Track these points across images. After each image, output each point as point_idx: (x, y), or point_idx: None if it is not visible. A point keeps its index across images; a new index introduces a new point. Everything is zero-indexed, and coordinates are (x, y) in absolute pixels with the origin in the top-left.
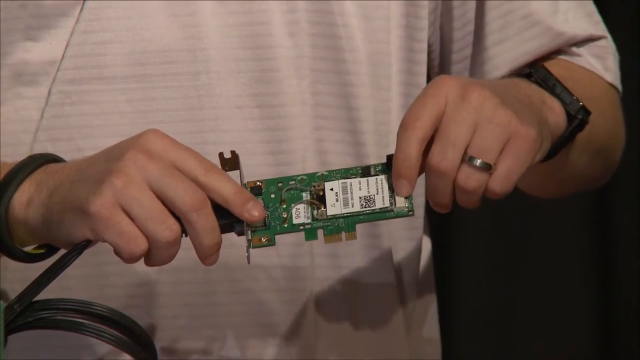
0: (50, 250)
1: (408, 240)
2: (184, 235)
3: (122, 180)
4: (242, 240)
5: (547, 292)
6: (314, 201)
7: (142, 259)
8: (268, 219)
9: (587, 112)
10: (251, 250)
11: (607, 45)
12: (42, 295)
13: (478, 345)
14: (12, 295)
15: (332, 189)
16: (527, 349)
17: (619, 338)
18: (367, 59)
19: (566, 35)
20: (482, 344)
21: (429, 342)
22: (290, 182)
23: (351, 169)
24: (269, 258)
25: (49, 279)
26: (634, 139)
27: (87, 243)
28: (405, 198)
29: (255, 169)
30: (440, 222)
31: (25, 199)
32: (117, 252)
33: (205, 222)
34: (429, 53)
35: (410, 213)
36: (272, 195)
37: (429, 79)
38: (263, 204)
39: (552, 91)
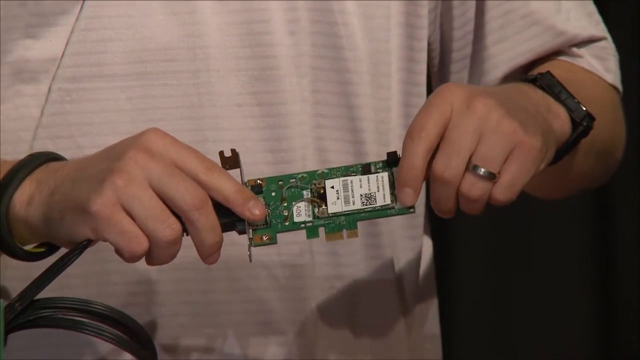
0: (51, 248)
1: (408, 239)
2: (184, 234)
3: (123, 179)
4: (242, 239)
5: (547, 290)
6: (315, 199)
7: (144, 258)
8: (269, 217)
9: (592, 119)
10: (253, 248)
11: (608, 46)
12: (42, 293)
13: (479, 344)
14: (12, 293)
15: (332, 187)
16: (528, 347)
17: (619, 337)
18: (367, 57)
19: (567, 34)
20: (482, 342)
21: (430, 340)
22: (291, 180)
23: (351, 166)
24: (269, 256)
25: (50, 278)
26: (634, 139)
27: (88, 242)
28: None
29: (255, 166)
30: (440, 221)
31: (26, 198)
32: (118, 252)
33: (207, 220)
34: (429, 52)
35: (412, 210)
36: (273, 194)
37: (428, 77)
38: (264, 203)
39: (557, 98)
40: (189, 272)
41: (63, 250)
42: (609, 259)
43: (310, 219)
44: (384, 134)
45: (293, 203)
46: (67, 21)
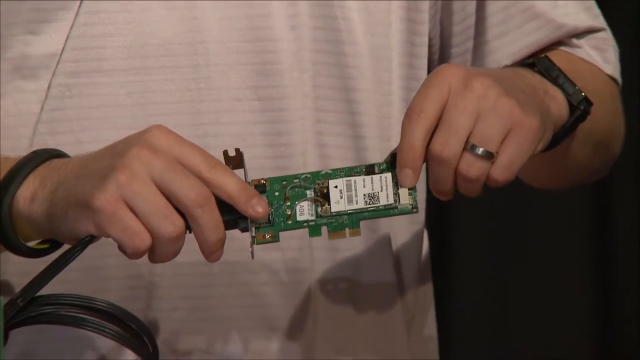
0: (54, 245)
1: (409, 234)
2: (187, 231)
3: (127, 176)
4: (242, 234)
5: (546, 287)
6: (318, 198)
7: (147, 254)
8: (272, 216)
9: (589, 103)
10: (255, 246)
11: (607, 37)
12: (43, 289)
13: (477, 340)
14: (14, 288)
15: (336, 187)
16: (526, 343)
17: (618, 332)
18: (368, 52)
19: (567, 27)
20: (481, 338)
21: (428, 336)
22: (295, 181)
23: (355, 167)
24: (269, 252)
25: (53, 274)
26: (634, 136)
27: (91, 238)
28: (409, 195)
29: (255, 161)
30: (439, 219)
31: (29, 194)
32: (121, 248)
33: (210, 218)
34: (429, 47)
35: (415, 210)
36: (277, 193)
37: (429, 72)
38: (267, 201)
39: (555, 81)
40: (189, 266)
41: (66, 247)
42: (607, 255)
43: (313, 217)
44: (385, 129)
45: (296, 202)
46: (67, 16)
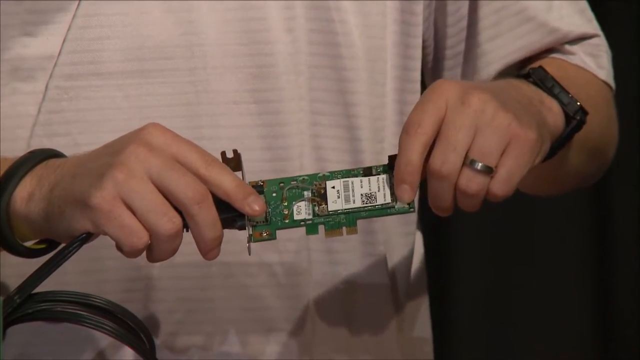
0: (52, 245)
1: (403, 235)
2: (185, 230)
3: (124, 174)
4: (238, 235)
5: (545, 289)
6: (315, 198)
7: (145, 253)
8: (269, 215)
9: (585, 113)
10: (252, 244)
11: (600, 43)
12: (39, 289)
13: (476, 342)
14: (10, 290)
15: (333, 187)
16: (526, 345)
17: (618, 333)
18: (364, 54)
19: (560, 31)
20: (480, 340)
21: (421, 340)
22: (292, 182)
23: (353, 170)
24: (266, 254)
25: (49, 271)
26: (634, 139)
27: (88, 236)
28: None
29: (252, 164)
30: (437, 221)
31: (26, 194)
32: (118, 246)
33: (207, 215)
34: (423, 48)
35: (412, 210)
36: (274, 194)
37: (422, 74)
38: (265, 200)
39: (550, 92)
40: (186, 268)
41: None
42: (607, 255)
43: (310, 216)
44: (380, 131)
45: (293, 202)
46: (64, 19)
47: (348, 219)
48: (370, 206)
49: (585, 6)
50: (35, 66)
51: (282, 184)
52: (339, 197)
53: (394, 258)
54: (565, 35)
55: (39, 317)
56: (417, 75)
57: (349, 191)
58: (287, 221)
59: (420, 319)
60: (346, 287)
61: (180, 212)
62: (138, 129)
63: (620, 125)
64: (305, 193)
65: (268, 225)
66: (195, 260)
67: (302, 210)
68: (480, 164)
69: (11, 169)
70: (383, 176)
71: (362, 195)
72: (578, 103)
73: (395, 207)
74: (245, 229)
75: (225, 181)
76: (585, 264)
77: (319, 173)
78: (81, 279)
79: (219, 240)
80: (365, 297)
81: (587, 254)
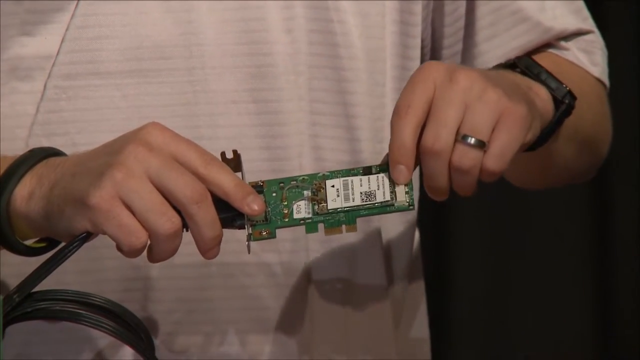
0: (52, 244)
1: (401, 236)
2: (184, 229)
3: (123, 173)
4: (237, 235)
5: (545, 288)
6: (315, 197)
7: (145, 253)
8: (269, 214)
9: (574, 97)
10: (251, 242)
11: (595, 40)
12: (38, 289)
13: (475, 342)
14: (9, 289)
15: (333, 186)
16: (525, 344)
17: (618, 333)
18: (364, 55)
19: (554, 30)
20: (478, 340)
21: (419, 337)
22: (292, 182)
23: (352, 169)
24: (265, 254)
25: (49, 270)
26: (633, 136)
27: (88, 235)
28: (406, 193)
29: (251, 163)
30: (435, 218)
31: (26, 193)
32: (117, 246)
33: (206, 214)
34: (421, 48)
35: (411, 207)
36: (274, 194)
37: None
38: (264, 200)
39: (537, 78)
40: (184, 269)
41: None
42: (607, 255)
43: (310, 215)
44: (379, 131)
45: (293, 202)
46: (62, 18)
47: (347, 217)
48: (370, 204)
49: (581, 6)
50: (33, 66)
51: (282, 184)
52: (338, 196)
53: (393, 258)
54: (560, 33)
55: (38, 316)
56: None
57: (348, 189)
58: (286, 220)
59: (418, 319)
60: (344, 287)
61: (179, 212)
62: (138, 128)
63: (620, 125)
64: (305, 192)
65: (268, 224)
66: (194, 261)
67: (301, 209)
68: (472, 139)
69: (11, 167)
70: (382, 174)
71: (361, 193)
72: (566, 86)
73: (395, 205)
74: (244, 227)
75: (225, 180)
76: (585, 263)
77: (318, 173)
78: (80, 279)
79: (218, 240)
80: (364, 297)
81: (587, 254)
